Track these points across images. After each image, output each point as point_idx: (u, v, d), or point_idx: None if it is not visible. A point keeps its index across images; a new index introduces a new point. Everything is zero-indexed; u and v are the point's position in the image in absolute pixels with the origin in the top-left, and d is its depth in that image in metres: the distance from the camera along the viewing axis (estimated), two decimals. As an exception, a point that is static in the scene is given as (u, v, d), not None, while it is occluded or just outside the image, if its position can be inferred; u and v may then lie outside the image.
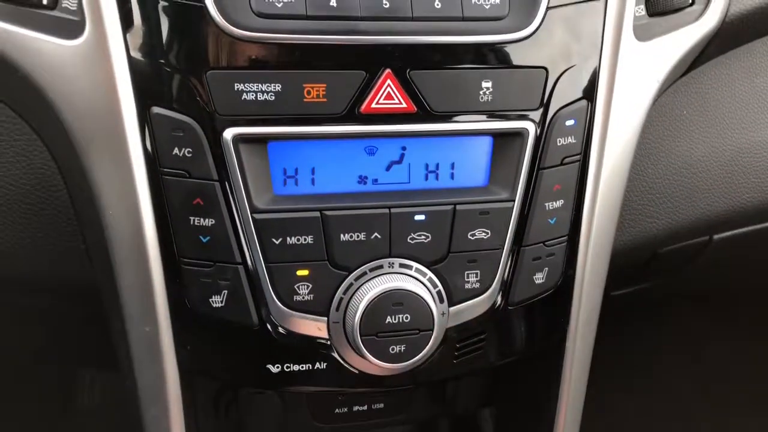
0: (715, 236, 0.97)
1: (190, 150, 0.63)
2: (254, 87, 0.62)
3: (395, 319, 0.67)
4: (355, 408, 0.83)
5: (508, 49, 0.66)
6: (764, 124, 0.90)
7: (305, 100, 0.63)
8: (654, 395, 1.52)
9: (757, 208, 0.93)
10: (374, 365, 0.68)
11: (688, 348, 1.55)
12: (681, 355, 1.56)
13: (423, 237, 0.69)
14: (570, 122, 0.70)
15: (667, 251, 0.96)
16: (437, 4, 0.63)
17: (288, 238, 0.66)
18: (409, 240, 0.68)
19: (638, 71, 0.74)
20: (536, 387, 0.86)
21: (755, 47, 0.88)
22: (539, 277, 0.73)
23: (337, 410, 0.83)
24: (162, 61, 0.61)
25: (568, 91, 0.69)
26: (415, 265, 0.69)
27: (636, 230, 0.88)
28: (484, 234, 0.70)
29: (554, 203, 0.71)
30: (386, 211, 0.68)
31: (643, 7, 0.75)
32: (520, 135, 0.69)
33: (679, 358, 1.56)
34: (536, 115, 0.68)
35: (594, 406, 0.94)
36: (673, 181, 0.87)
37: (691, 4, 0.77)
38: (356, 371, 0.71)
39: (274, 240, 0.66)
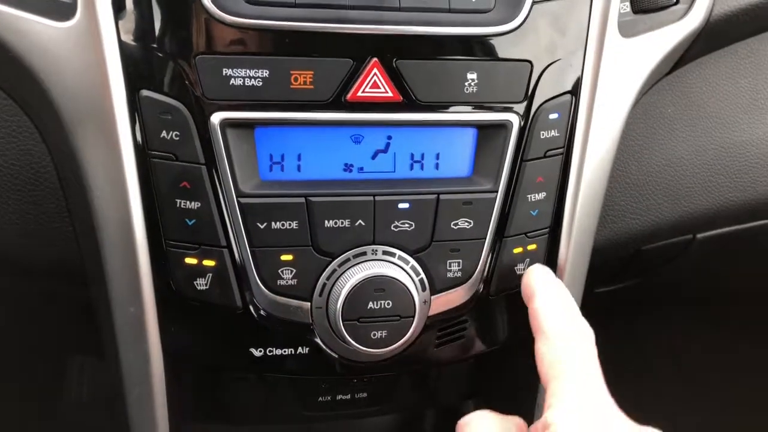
0: (699, 235, 0.99)
1: (178, 133, 0.64)
2: (242, 72, 0.63)
3: (377, 305, 0.68)
4: (339, 397, 0.84)
5: (494, 41, 0.67)
6: (747, 124, 0.91)
7: (292, 86, 0.64)
8: (637, 393, 1.52)
9: (740, 208, 0.95)
10: (355, 350, 0.69)
11: (670, 348, 1.56)
12: (664, 354, 1.57)
13: (406, 225, 0.70)
14: (554, 116, 0.71)
15: (651, 249, 0.97)
16: None
17: (273, 223, 0.67)
18: (392, 228, 0.69)
19: (622, 67, 0.75)
20: (517, 379, 0.87)
21: (739, 49, 0.90)
22: (521, 268, 0.75)
23: (320, 398, 0.84)
24: (152, 44, 0.62)
25: (552, 85, 0.70)
26: (398, 252, 0.70)
27: (618, 226, 0.89)
28: (466, 224, 0.71)
29: (537, 195, 0.73)
30: (371, 198, 0.68)
31: (628, 4, 0.76)
32: (504, 127, 0.70)
33: (662, 358, 1.57)
34: (520, 107, 0.70)
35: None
36: (655, 178, 0.88)
37: (676, 3, 0.79)
38: (338, 356, 0.72)
39: (259, 224, 0.67)
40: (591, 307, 0.85)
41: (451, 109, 0.68)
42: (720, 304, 1.39)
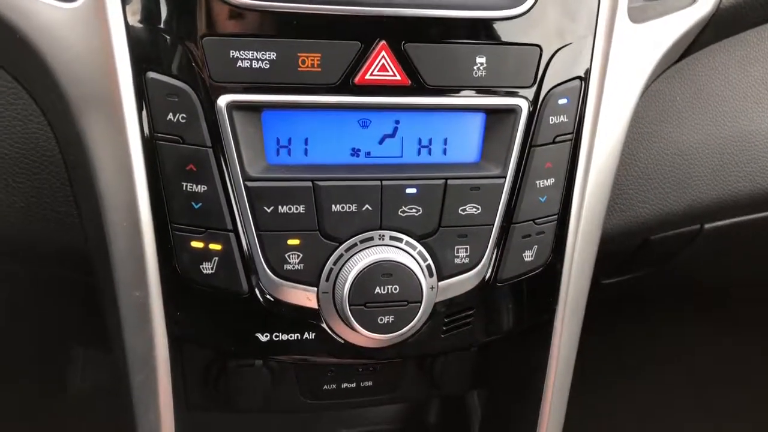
0: (707, 225, 0.98)
1: (185, 116, 0.63)
2: (249, 54, 0.62)
3: (384, 290, 0.68)
4: (344, 385, 0.84)
5: (503, 25, 0.66)
6: (757, 113, 0.91)
7: (300, 69, 0.63)
8: (642, 387, 1.52)
9: (749, 198, 0.94)
10: (362, 336, 0.69)
11: (676, 340, 1.56)
12: (670, 346, 1.56)
13: (414, 210, 0.69)
14: (563, 101, 0.70)
15: (658, 238, 0.97)
16: None
17: (280, 207, 0.66)
18: (399, 213, 0.69)
19: (632, 53, 0.74)
20: (523, 369, 0.86)
21: (749, 37, 0.89)
22: (528, 255, 0.74)
23: (325, 387, 0.83)
24: (159, 26, 0.62)
25: (561, 69, 0.70)
26: (405, 238, 0.70)
27: (627, 215, 0.88)
28: (474, 209, 0.70)
29: (545, 181, 0.72)
30: (378, 183, 0.68)
31: (638, -11, 0.75)
32: (512, 112, 0.69)
33: (667, 350, 1.57)
34: (529, 92, 0.69)
35: (581, 393, 0.95)
36: (664, 167, 0.88)
37: (686, -11, 0.78)
38: (344, 342, 0.71)
39: (266, 208, 0.66)
40: (597, 299, 0.85)
41: (460, 93, 0.68)
42: (727, 296, 1.39)
